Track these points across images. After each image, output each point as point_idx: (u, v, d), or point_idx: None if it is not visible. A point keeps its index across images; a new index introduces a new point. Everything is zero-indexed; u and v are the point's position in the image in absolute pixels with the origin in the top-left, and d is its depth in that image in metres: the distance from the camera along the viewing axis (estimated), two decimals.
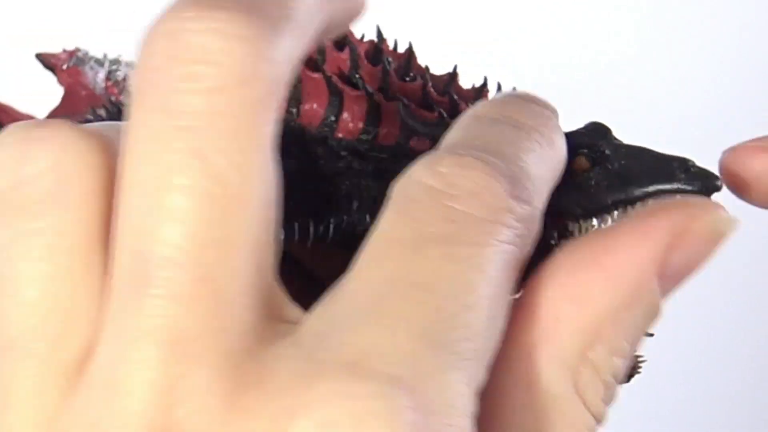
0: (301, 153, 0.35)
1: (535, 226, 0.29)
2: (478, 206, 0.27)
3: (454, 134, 0.30)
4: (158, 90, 0.25)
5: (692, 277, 0.28)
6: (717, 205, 0.29)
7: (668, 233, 0.28)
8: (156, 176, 0.25)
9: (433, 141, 0.35)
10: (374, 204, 0.36)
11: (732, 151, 0.34)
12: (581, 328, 0.28)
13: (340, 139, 0.35)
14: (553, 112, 0.32)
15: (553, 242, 0.34)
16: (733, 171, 0.34)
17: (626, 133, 0.35)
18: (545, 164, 0.30)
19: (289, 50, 0.26)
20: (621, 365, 0.29)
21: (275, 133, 0.27)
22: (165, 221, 0.25)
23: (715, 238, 0.28)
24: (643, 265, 0.28)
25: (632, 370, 0.35)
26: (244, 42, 0.25)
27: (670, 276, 0.28)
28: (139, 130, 0.25)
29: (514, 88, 0.36)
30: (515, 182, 0.28)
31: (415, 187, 0.27)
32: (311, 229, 0.37)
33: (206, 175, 0.25)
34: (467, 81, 0.36)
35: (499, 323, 0.27)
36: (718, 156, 0.34)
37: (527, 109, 0.31)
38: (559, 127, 0.32)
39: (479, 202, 0.27)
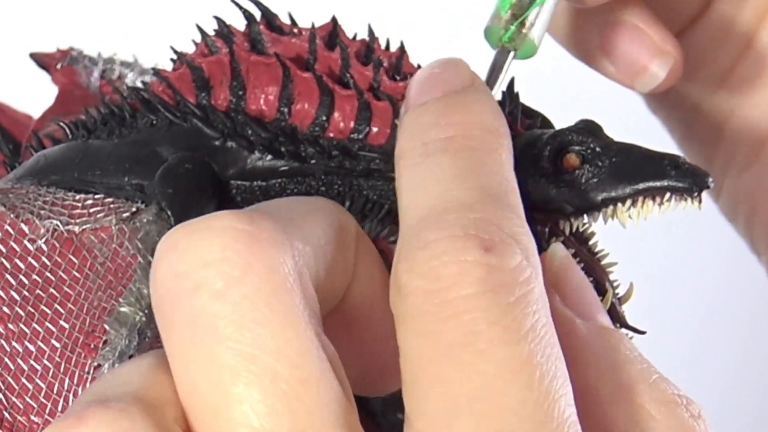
0: (293, 153, 0.35)
1: (527, 242, 0.29)
2: (468, 286, 0.27)
3: (409, 197, 0.31)
4: None
5: None
6: None
7: None
8: None
9: None
10: (366, 203, 0.36)
11: None
12: None
13: (331, 139, 0.35)
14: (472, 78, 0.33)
15: (543, 239, 0.34)
16: None
17: (618, 131, 0.35)
18: (497, 168, 0.31)
19: None
20: None
21: None
22: None
23: None
24: None
25: None
26: None
27: None
28: None
29: (509, 85, 0.36)
30: (485, 235, 0.28)
31: (411, 299, 0.28)
32: None
33: None
34: None
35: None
36: None
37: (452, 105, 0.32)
38: (481, 97, 0.33)
39: (467, 281, 0.27)
